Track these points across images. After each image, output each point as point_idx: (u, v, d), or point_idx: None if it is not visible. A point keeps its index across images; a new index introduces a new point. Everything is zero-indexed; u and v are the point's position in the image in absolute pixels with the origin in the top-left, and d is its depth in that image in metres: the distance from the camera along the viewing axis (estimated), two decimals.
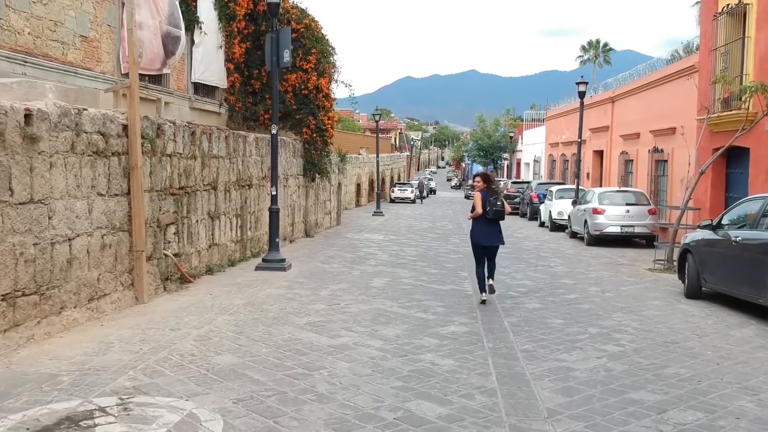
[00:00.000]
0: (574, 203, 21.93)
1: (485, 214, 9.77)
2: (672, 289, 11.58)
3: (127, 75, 13.64)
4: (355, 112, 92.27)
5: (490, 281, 10.03)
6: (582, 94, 23.47)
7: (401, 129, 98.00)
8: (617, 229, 18.71)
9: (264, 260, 12.68)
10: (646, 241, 19.23)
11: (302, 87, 19.02)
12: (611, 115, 28.09)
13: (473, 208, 9.99)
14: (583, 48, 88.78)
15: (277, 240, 12.79)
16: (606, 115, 28.51)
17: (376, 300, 9.90)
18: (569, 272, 13.57)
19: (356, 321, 8.39)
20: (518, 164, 52.97)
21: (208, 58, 17.09)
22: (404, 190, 49.39)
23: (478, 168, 74.97)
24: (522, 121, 55.67)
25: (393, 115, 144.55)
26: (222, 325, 7.99)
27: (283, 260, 12.70)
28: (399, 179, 60.05)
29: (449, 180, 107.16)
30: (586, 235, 19.41)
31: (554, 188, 26.57)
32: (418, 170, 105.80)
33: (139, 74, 14.33)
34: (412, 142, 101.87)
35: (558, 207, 24.55)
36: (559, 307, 9.69)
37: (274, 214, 12.82)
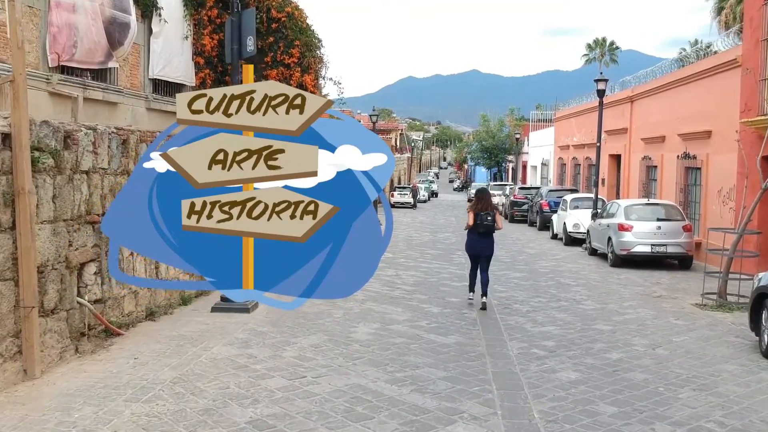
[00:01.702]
0: (594, 216, 19.39)
1: (476, 228, 10.95)
2: (739, 340, 9.07)
3: (59, 69, 11.21)
4: (356, 112, 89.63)
5: (484, 299, 10.93)
6: (601, 93, 20.94)
7: (402, 129, 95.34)
8: (647, 249, 16.17)
9: (223, 299, 10.18)
10: (679, 262, 16.71)
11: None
12: (630, 116, 25.56)
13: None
14: (589, 46, 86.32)
15: None
16: (624, 116, 25.99)
17: (357, 367, 7.39)
18: (601, 311, 11.04)
19: (322, 414, 5.89)
20: (524, 167, 50.39)
21: (171, 51, 14.61)
22: (404, 194, 46.89)
23: (482, 170, 72.43)
24: (528, 121, 53.15)
25: (395, 115, 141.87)
26: (124, 425, 5.50)
27: None
28: (399, 182, 57.53)
29: (451, 182, 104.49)
30: (610, 254, 16.87)
31: (569, 197, 24.01)
32: (420, 172, 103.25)
33: (79, 68, 11.91)
34: (413, 143, 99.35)
35: (574, 218, 22.01)
36: (603, 379, 7.17)
37: None
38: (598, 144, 21.25)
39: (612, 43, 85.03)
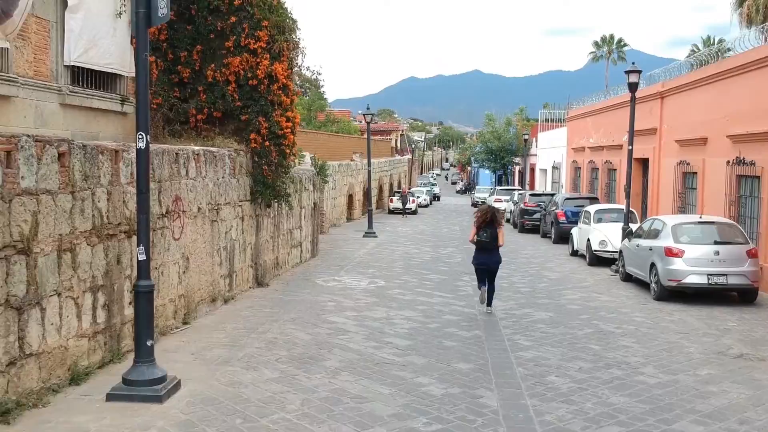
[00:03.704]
0: (629, 234, 16.11)
1: (478, 243, 11.56)
2: None
3: None
4: (357, 112, 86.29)
5: (489, 309, 11.82)
6: (633, 86, 17.62)
7: (403, 130, 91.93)
8: (703, 280, 12.91)
9: (126, 381, 6.93)
10: (740, 294, 13.46)
11: (249, 75, 13.34)
12: (660, 115, 22.33)
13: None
14: (596, 44, 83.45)
15: (149, 342, 7.02)
16: (652, 114, 22.74)
17: None
18: (674, 389, 7.77)
19: None
20: (532, 171, 47.06)
21: (96, 30, 11.33)
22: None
23: (485, 173, 69.08)
24: (535, 121, 49.88)
25: (397, 115, 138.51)
26: None
27: (160, 380, 6.93)
28: (399, 186, 54.21)
29: (454, 183, 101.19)
30: (654, 285, 13.62)
31: (591, 208, 20.78)
32: (421, 174, 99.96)
33: None
34: (414, 145, 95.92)
35: (600, 234, 18.78)
36: None
37: (141, 297, 7.04)
38: (630, 147, 17.96)
39: (620, 41, 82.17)
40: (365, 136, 35.94)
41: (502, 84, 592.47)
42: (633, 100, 17.73)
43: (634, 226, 17.57)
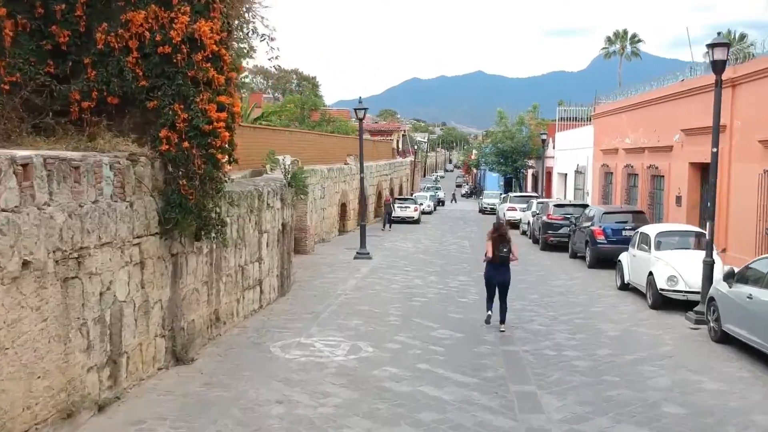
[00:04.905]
0: (729, 277, 11.12)
1: (496, 258, 11.64)
2: None
3: None
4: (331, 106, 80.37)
5: (503, 327, 11.57)
6: (720, 65, 12.60)
7: (405, 130, 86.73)
8: None
9: None
10: None
11: (159, 39, 8.49)
12: (730, 107, 17.43)
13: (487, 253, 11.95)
14: (608, 40, 78.58)
15: None
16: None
17: None
18: None
19: None
20: (548, 175, 42.02)
21: None
22: (406, 207, 38.69)
23: (494, 176, 64.08)
24: (550, 121, 44.91)
25: (399, 116, 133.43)
26: None
27: None
28: (401, 192, 49.31)
29: (459, 186, 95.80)
30: None
31: (650, 230, 15.78)
32: (424, 176, 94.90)
33: None
34: (416, 145, 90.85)
35: (667, 267, 13.84)
36: None
37: None
38: (714, 150, 12.89)
39: (633, 36, 77.38)
40: (366, 137, 31.09)
41: (505, 85, 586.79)
42: (719, 84, 12.75)
43: (717, 260, 12.79)
